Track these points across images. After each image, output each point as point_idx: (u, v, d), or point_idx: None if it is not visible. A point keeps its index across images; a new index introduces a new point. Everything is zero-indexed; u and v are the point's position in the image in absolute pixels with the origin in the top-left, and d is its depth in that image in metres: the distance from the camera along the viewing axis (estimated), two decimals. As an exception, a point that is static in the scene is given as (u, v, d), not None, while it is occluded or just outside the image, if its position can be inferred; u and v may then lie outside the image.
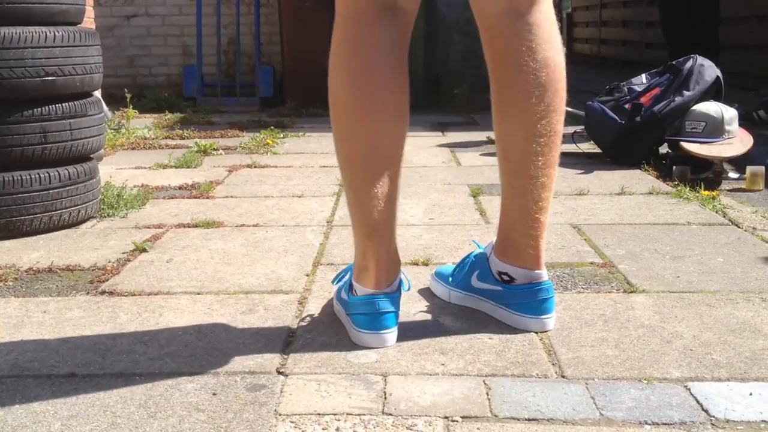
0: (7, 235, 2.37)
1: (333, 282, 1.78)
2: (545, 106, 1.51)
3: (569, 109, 4.49)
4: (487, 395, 1.35)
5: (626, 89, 3.63)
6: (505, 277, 1.65)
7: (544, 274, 1.63)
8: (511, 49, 1.50)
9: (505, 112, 1.56)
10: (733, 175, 3.24)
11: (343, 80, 1.52)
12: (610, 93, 3.68)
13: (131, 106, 4.68)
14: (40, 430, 1.26)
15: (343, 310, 1.63)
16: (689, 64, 3.43)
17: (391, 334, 1.57)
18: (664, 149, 3.50)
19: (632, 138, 3.44)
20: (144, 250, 2.22)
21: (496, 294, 1.67)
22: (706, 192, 2.85)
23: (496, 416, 1.28)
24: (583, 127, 3.76)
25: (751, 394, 1.35)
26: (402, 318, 1.69)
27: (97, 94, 2.76)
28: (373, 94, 1.50)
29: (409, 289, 1.70)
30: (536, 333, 1.61)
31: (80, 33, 2.46)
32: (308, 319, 1.72)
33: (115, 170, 3.48)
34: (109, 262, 2.14)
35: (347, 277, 1.68)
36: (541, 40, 1.49)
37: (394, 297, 1.58)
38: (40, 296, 1.88)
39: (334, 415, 1.29)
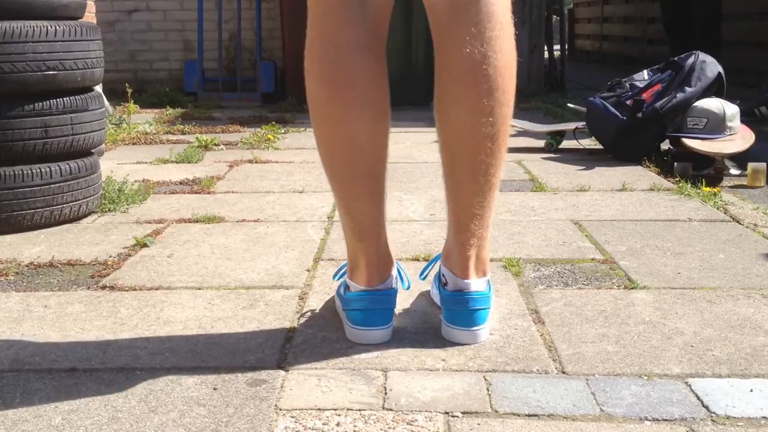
0: (8, 230, 2.37)
1: (334, 277, 1.78)
2: (491, 103, 1.44)
3: (571, 105, 4.50)
4: (488, 391, 1.35)
5: (628, 85, 3.63)
6: (443, 279, 1.60)
7: (472, 284, 1.54)
8: (456, 38, 1.42)
9: (449, 108, 1.48)
10: (734, 171, 3.24)
11: (318, 80, 1.47)
12: (611, 89, 3.68)
13: (132, 101, 4.67)
14: (40, 424, 1.26)
15: (341, 306, 1.63)
16: (691, 60, 3.43)
17: (385, 331, 1.56)
18: (665, 145, 3.50)
19: (634, 134, 3.43)
20: (145, 245, 2.22)
21: (439, 298, 1.64)
22: (708, 188, 2.84)
23: (496, 412, 1.28)
24: (584, 123, 3.76)
25: (751, 390, 1.35)
26: (402, 314, 1.69)
27: (98, 88, 2.76)
28: (349, 94, 1.45)
29: (409, 288, 1.69)
30: (535, 330, 1.61)
31: (81, 27, 2.45)
32: (309, 314, 1.72)
33: (116, 165, 3.48)
34: (110, 256, 2.14)
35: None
36: (489, 31, 1.41)
37: (388, 294, 1.57)
38: (41, 291, 1.89)
39: (335, 410, 1.29)
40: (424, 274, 1.74)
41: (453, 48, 1.43)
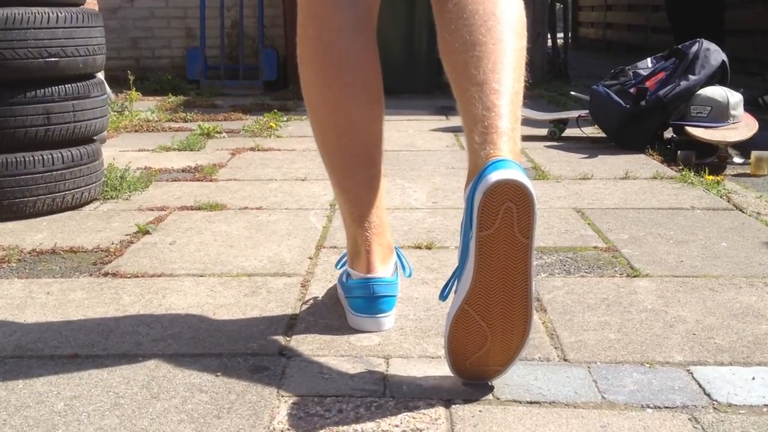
0: (10, 217, 2.37)
1: (336, 266, 1.78)
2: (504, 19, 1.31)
3: (574, 93, 4.49)
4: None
5: (631, 73, 3.62)
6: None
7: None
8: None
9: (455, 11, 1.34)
10: (737, 159, 3.23)
11: (312, 66, 1.47)
12: (615, 77, 3.67)
13: (134, 89, 4.67)
14: (43, 410, 1.26)
15: (343, 294, 1.63)
16: (695, 48, 3.41)
17: (387, 318, 1.56)
18: (668, 134, 3.48)
19: (637, 122, 3.42)
20: (147, 233, 2.22)
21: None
22: (711, 177, 2.84)
23: (498, 399, 1.29)
24: (587, 111, 3.74)
25: (753, 378, 1.35)
26: (404, 301, 1.69)
27: (100, 75, 2.75)
28: (342, 78, 1.45)
29: (410, 275, 1.69)
30: (537, 318, 1.61)
31: (83, 14, 2.45)
32: (311, 301, 1.72)
33: (118, 152, 3.47)
34: (113, 243, 2.14)
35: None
36: None
37: (390, 281, 1.57)
38: (43, 277, 1.89)
39: (336, 397, 1.29)
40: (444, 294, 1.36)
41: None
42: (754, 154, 3.07)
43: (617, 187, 2.75)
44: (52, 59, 2.36)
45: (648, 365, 1.40)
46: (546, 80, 6.34)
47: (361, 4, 1.45)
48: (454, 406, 1.26)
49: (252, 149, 3.57)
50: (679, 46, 3.51)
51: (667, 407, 1.26)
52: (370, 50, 1.47)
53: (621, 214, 2.40)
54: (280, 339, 1.52)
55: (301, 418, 1.23)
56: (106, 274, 1.90)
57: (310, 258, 2.01)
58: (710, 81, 3.37)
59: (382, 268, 1.56)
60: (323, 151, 1.54)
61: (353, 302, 1.56)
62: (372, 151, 1.51)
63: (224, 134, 3.98)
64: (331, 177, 1.56)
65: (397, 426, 1.20)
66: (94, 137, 2.61)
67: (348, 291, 1.58)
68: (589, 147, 3.54)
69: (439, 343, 1.49)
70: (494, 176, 1.19)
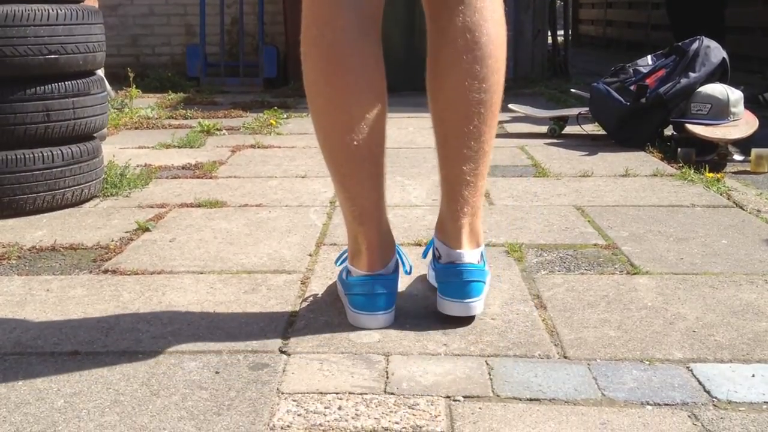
0: (10, 214, 2.37)
1: (336, 263, 1.78)
2: (484, 70, 1.47)
3: (574, 90, 4.49)
4: (489, 375, 1.35)
5: (631, 71, 3.61)
6: (436, 253, 1.61)
7: (465, 255, 1.55)
8: (449, 7, 1.46)
9: (442, 74, 1.50)
10: (738, 157, 3.22)
11: (315, 65, 1.47)
12: (615, 74, 3.66)
13: (134, 86, 4.66)
14: (43, 407, 1.26)
15: (343, 291, 1.63)
16: (695, 45, 3.41)
17: (387, 315, 1.56)
18: (669, 131, 3.48)
19: (637, 120, 3.42)
20: (147, 230, 2.22)
21: (433, 274, 1.64)
22: (711, 174, 2.84)
23: (498, 396, 1.29)
24: (587, 108, 3.74)
25: (753, 375, 1.35)
26: (404, 298, 1.69)
27: (100, 72, 2.75)
28: (347, 78, 1.45)
29: (410, 272, 1.69)
30: (537, 315, 1.61)
31: (83, 11, 2.44)
32: (311, 299, 1.72)
33: (118, 150, 3.47)
34: (112, 241, 2.14)
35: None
36: (479, 1, 1.45)
37: (390, 278, 1.56)
38: (43, 274, 1.89)
39: (337, 393, 1.29)
40: (427, 254, 1.74)
41: (446, 19, 1.47)
42: (754, 151, 3.07)
43: (617, 185, 2.75)
44: (52, 56, 2.36)
45: (648, 362, 1.40)
46: (546, 77, 6.33)
47: (365, 5, 1.46)
48: (454, 403, 1.27)
49: (252, 146, 3.56)
50: (680, 44, 3.50)
51: (667, 404, 1.26)
52: (375, 49, 1.48)
53: (621, 211, 2.40)
54: (280, 336, 1.52)
55: (301, 415, 1.23)
56: (106, 271, 1.90)
57: (310, 255, 2.01)
58: (710, 78, 3.37)
59: (383, 266, 1.56)
60: (325, 149, 1.53)
61: (353, 299, 1.56)
62: (375, 150, 1.51)
63: (224, 131, 3.98)
64: (332, 174, 1.55)
65: (397, 423, 1.20)
66: (94, 134, 2.61)
67: (348, 288, 1.57)
68: (590, 144, 3.54)
69: (439, 340, 1.49)
70: (448, 308, 1.56)
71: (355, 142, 1.48)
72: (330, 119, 1.50)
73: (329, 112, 1.49)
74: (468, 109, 1.48)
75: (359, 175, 1.51)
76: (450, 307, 1.55)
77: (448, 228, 1.57)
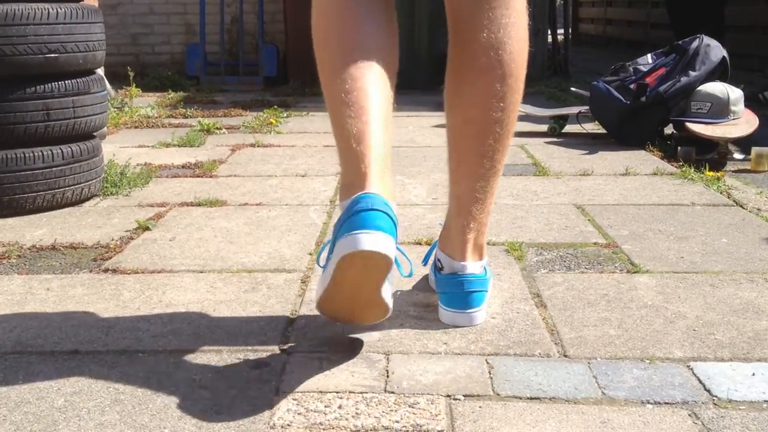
0: (10, 213, 2.37)
1: (317, 259, 1.70)
2: (504, 89, 1.45)
3: (574, 89, 4.49)
4: (490, 374, 1.35)
5: (632, 69, 3.61)
6: (439, 264, 1.59)
7: (468, 266, 1.53)
8: (474, 23, 1.44)
9: (461, 90, 1.49)
10: (738, 156, 3.22)
11: (330, 50, 1.42)
12: (615, 73, 3.66)
13: (134, 85, 4.66)
14: (43, 406, 1.26)
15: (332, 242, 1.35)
16: (695, 44, 3.41)
17: (383, 236, 1.26)
18: (669, 130, 3.48)
19: (637, 118, 3.42)
20: (147, 229, 2.22)
21: (435, 283, 1.62)
22: (711, 173, 2.84)
23: (498, 395, 1.29)
24: (587, 107, 3.74)
25: (753, 374, 1.35)
26: (404, 297, 1.69)
27: (100, 71, 2.75)
28: (359, 60, 1.39)
29: (411, 275, 1.68)
30: (537, 314, 1.61)
31: (83, 10, 2.44)
32: (311, 297, 1.71)
33: (118, 149, 3.47)
34: (112, 240, 2.14)
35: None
36: (505, 18, 1.43)
37: (387, 203, 1.29)
38: (43, 273, 1.89)
39: (337, 392, 1.29)
40: (427, 262, 1.72)
41: (470, 33, 1.45)
42: (754, 150, 3.07)
43: (617, 184, 2.75)
44: (52, 55, 2.35)
45: (648, 361, 1.40)
46: (546, 76, 6.33)
47: None
48: (454, 401, 1.27)
49: (252, 145, 3.56)
50: (680, 42, 3.50)
51: (667, 403, 1.26)
52: (390, 35, 1.46)
53: (621, 210, 2.40)
54: (280, 335, 1.52)
55: (301, 414, 1.23)
56: (106, 270, 1.90)
57: (310, 254, 2.01)
58: (710, 77, 3.37)
59: (381, 190, 1.32)
60: (330, 102, 1.41)
61: (351, 224, 1.27)
62: (385, 105, 1.40)
63: (224, 130, 3.98)
64: (331, 96, 1.41)
65: (397, 422, 1.20)
66: (94, 133, 2.61)
67: (340, 226, 1.30)
68: (590, 143, 3.54)
69: (439, 338, 1.49)
70: (451, 319, 1.54)
71: (366, 63, 1.40)
72: (341, 99, 1.38)
73: (340, 92, 1.37)
74: (485, 127, 1.47)
75: (367, 118, 1.35)
76: (452, 317, 1.55)
77: (453, 241, 1.56)
